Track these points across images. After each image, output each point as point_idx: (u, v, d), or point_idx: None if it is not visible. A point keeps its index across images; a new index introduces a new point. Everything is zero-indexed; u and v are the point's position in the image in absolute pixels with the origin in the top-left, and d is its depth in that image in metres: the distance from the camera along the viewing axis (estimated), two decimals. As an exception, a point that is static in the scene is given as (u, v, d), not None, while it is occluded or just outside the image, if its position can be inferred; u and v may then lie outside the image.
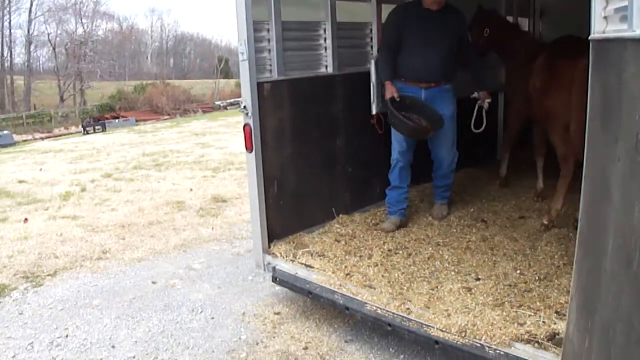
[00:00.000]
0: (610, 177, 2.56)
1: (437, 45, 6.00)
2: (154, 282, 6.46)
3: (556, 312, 4.21)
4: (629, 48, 2.32)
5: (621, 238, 2.44)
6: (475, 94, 6.36)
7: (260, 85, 5.36)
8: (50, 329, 5.45)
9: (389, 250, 5.60)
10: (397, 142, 6.24)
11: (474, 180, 8.02)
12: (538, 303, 4.39)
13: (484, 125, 6.46)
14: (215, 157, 15.00)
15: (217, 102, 55.41)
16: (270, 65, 5.60)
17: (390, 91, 5.88)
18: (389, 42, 6.13)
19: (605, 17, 2.65)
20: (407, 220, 6.44)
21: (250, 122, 5.30)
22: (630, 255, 2.31)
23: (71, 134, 41.46)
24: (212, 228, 8.45)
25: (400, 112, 5.81)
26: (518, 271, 5.04)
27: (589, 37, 2.73)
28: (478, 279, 4.92)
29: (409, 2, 6.18)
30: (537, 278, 4.88)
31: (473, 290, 4.69)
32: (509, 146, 7.73)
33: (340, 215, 6.34)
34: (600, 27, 2.67)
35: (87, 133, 37.77)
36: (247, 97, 5.28)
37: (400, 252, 5.57)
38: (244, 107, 5.29)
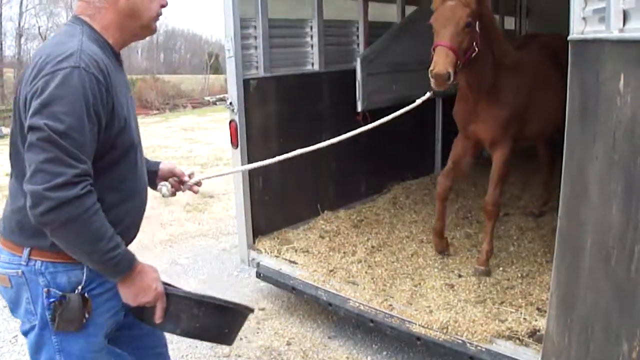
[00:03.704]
0: (589, 175, 2.58)
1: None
2: (139, 277, 6.44)
3: (537, 309, 4.25)
4: (606, 49, 2.33)
5: (599, 235, 2.46)
6: None
7: (246, 82, 5.38)
8: (35, 323, 5.43)
9: (373, 247, 5.61)
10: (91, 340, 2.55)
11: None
12: (520, 300, 4.43)
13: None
14: (204, 153, 14.96)
15: (207, 98, 55.30)
16: (257, 62, 5.61)
17: (154, 285, 2.56)
18: (80, 155, 2.21)
19: (584, 18, 2.66)
20: None
21: (236, 118, 5.31)
22: (608, 252, 2.33)
23: (60, 128, 41.32)
24: (199, 223, 8.46)
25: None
26: (501, 268, 5.08)
27: (568, 38, 2.74)
28: (460, 276, 4.95)
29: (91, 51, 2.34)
30: (519, 275, 4.91)
31: (455, 287, 4.72)
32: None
33: (325, 212, 6.35)
34: (579, 27, 2.69)
35: (77, 127, 37.59)
36: (233, 93, 5.29)
37: (384, 249, 5.59)
38: (230, 103, 5.31)
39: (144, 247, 7.42)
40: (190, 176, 3.07)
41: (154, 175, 2.97)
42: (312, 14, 6.15)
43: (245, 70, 5.43)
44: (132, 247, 6.89)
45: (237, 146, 5.36)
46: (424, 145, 7.84)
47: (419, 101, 4.39)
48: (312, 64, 6.22)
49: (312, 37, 6.19)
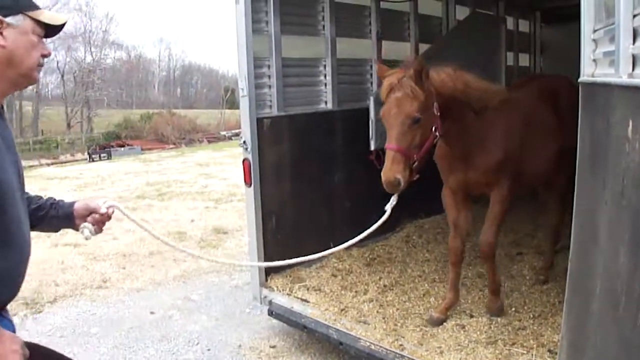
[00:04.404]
0: (599, 220, 2.57)
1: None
2: (152, 313, 6.47)
3: (549, 351, 4.20)
4: (615, 94, 2.33)
5: (608, 281, 2.44)
6: None
7: (260, 120, 5.42)
8: (47, 358, 5.43)
9: (385, 286, 5.59)
10: None
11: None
12: (531, 341, 4.39)
13: None
14: (218, 188, 15.03)
15: (223, 132, 55.55)
16: (270, 101, 5.66)
17: (10, 357, 2.29)
18: None
19: (594, 60, 2.67)
20: None
21: (250, 157, 5.34)
22: (617, 298, 2.30)
23: (77, 160, 41.58)
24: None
25: None
26: (513, 308, 5.03)
27: (579, 80, 2.74)
28: (472, 316, 4.92)
29: None
30: (531, 316, 4.87)
31: (467, 328, 4.69)
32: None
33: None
34: (590, 70, 2.69)
35: (93, 160, 37.87)
36: (246, 132, 5.33)
37: (396, 288, 5.57)
38: (244, 142, 5.34)
39: (158, 283, 7.45)
40: (111, 209, 2.83)
41: (71, 217, 2.80)
42: (326, 53, 6.21)
43: (259, 109, 5.48)
44: (146, 284, 6.88)
45: (251, 185, 5.38)
46: (437, 184, 7.82)
47: (388, 209, 4.37)
48: (326, 103, 6.27)
49: (325, 75, 6.24)
